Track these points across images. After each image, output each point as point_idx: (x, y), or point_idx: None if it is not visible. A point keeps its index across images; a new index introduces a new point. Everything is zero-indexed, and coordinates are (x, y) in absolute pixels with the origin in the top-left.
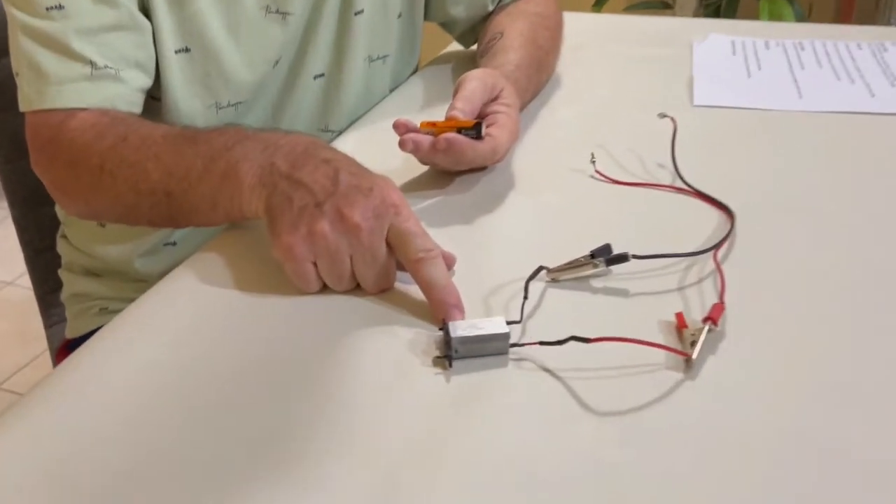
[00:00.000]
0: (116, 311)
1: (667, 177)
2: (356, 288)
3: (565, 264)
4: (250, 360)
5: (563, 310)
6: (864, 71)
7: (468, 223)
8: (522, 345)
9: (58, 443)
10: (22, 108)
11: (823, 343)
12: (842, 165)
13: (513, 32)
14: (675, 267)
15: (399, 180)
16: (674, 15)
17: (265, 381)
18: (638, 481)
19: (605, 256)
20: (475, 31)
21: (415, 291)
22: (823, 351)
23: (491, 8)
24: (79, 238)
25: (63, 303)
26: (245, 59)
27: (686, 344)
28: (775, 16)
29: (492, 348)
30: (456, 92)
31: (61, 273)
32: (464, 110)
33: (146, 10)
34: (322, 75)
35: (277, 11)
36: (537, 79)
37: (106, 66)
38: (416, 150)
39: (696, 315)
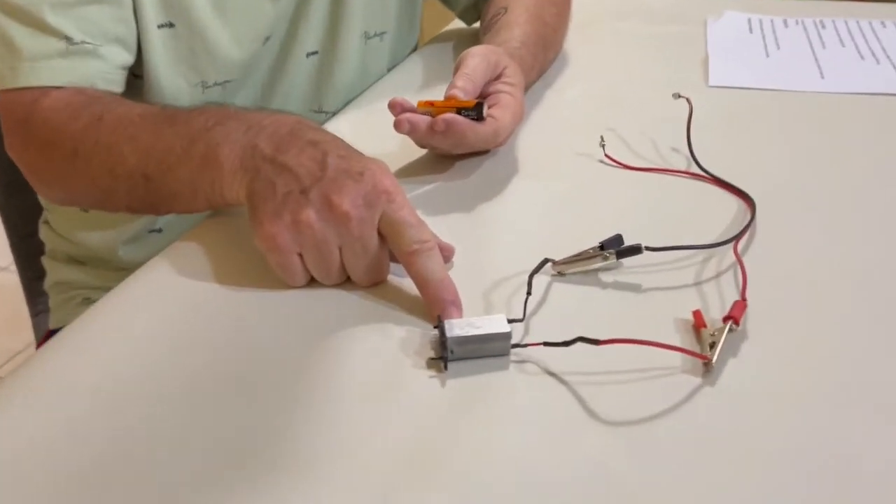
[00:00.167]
0: None
1: (682, 162)
2: (346, 281)
3: (572, 257)
4: (228, 360)
5: (569, 307)
6: (890, 50)
7: (468, 212)
8: (525, 345)
9: (23, 439)
10: None
11: (858, 345)
12: (869, 150)
13: (518, 8)
14: (692, 260)
15: (394, 165)
16: None
17: (243, 382)
18: (649, 498)
19: (616, 248)
20: (478, 7)
21: (409, 286)
22: (858, 354)
23: None
24: (61, 224)
25: (47, 291)
26: (233, 34)
27: (705, 345)
28: None
29: (491, 349)
30: (456, 69)
31: (44, 261)
32: (464, 89)
33: None
34: (315, 53)
35: None
36: (543, 57)
37: (83, 42)
38: (412, 132)
39: (715, 313)
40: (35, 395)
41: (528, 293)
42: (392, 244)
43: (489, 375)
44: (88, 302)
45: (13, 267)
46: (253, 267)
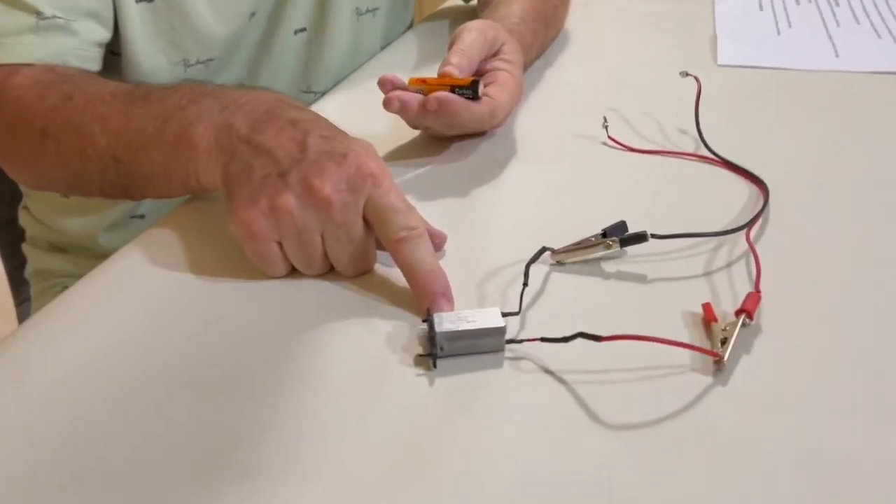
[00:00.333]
0: None
1: (689, 144)
2: (330, 271)
3: (572, 245)
4: (201, 355)
5: (569, 299)
6: None
7: (461, 197)
8: (521, 341)
9: None
10: None
11: (881, 340)
12: (888, 131)
13: None
14: (701, 248)
15: (383, 147)
16: None
17: (216, 380)
18: None
19: (620, 236)
20: None
21: (396, 276)
22: (882, 349)
23: None
24: (41, 210)
25: (28, 280)
26: (216, 9)
27: (715, 341)
28: None
29: (484, 345)
30: (451, 45)
31: (25, 248)
32: (459, 66)
33: None
34: (304, 30)
35: None
36: (544, 34)
37: (54, 16)
38: (402, 111)
39: (726, 306)
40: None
41: (525, 284)
42: (378, 231)
43: (482, 373)
44: None
45: None
46: (231, 256)
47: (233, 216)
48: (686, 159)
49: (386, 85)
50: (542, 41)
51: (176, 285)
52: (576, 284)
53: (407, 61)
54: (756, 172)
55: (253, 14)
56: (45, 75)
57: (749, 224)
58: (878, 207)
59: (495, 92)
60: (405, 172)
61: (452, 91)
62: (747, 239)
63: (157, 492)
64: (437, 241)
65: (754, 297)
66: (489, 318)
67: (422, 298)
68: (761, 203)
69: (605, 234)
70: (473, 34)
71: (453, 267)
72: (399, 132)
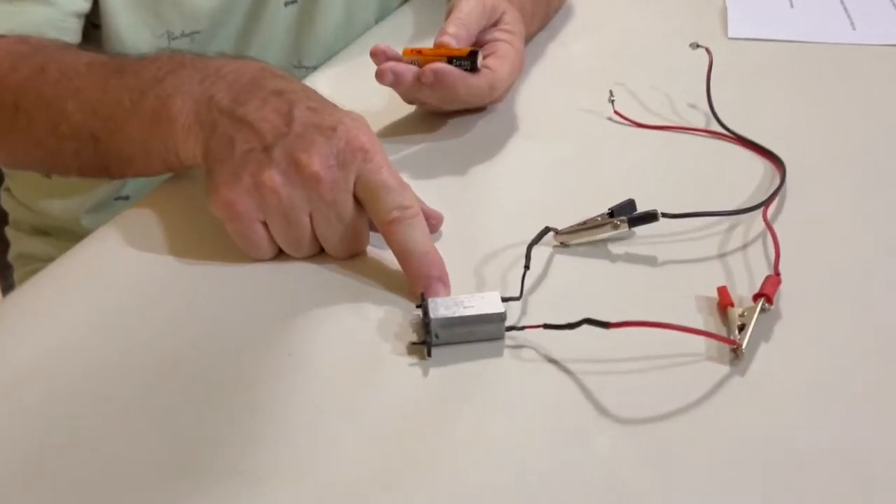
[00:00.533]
0: None
1: (700, 119)
2: (320, 253)
3: (577, 225)
4: (181, 343)
5: (574, 283)
6: None
7: (458, 175)
8: (522, 328)
9: None
10: None
11: None
12: None
13: None
14: (715, 228)
15: (377, 122)
16: None
17: (196, 371)
18: None
19: (628, 215)
20: None
21: (390, 259)
22: None
23: None
24: (22, 191)
25: (12, 263)
26: None
27: (732, 328)
28: None
29: (483, 332)
30: (448, 14)
31: (8, 231)
32: (457, 36)
33: None
34: (294, 1)
35: None
36: (546, 5)
37: None
38: (396, 83)
39: (743, 290)
40: None
41: (527, 267)
42: (369, 210)
43: (480, 363)
44: None
45: None
46: (214, 237)
47: (214, 195)
48: (697, 135)
49: (379, 56)
50: (545, 12)
51: (155, 269)
52: (581, 267)
53: (403, 35)
54: (771, 149)
55: None
56: (17, 46)
57: (766, 202)
58: None
59: (495, 64)
60: (400, 149)
61: (449, 62)
62: (764, 218)
63: (129, 486)
64: (433, 222)
65: (774, 281)
66: (488, 303)
67: (416, 283)
68: (778, 180)
69: (612, 214)
70: (472, 2)
71: (450, 249)
72: (393, 107)
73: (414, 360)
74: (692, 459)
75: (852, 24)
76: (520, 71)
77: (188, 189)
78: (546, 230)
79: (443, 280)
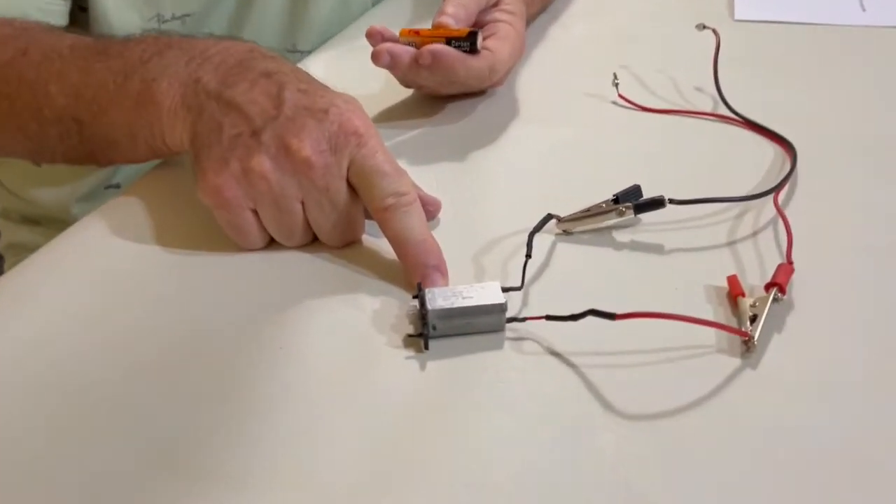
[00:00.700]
0: None
1: (707, 103)
2: (314, 242)
3: (581, 212)
4: (167, 337)
5: (577, 272)
6: None
7: (457, 161)
8: (523, 319)
9: None
10: None
11: None
12: None
13: None
14: (724, 215)
15: (373, 107)
16: None
17: (183, 365)
18: None
19: (634, 201)
20: None
21: (386, 247)
22: None
23: None
24: (12, 180)
25: (2, 254)
26: None
27: (744, 319)
28: None
29: (482, 324)
30: None
31: None
32: (455, 16)
33: None
34: None
35: None
36: None
37: None
38: (393, 65)
39: (754, 279)
40: None
41: (528, 256)
42: (364, 197)
43: (479, 356)
44: None
45: None
46: (203, 226)
47: (201, 182)
48: (704, 119)
49: (375, 37)
50: None
51: (141, 259)
52: (585, 256)
53: (401, 18)
54: (781, 132)
55: None
56: (0, 29)
57: (777, 188)
58: None
59: (495, 45)
60: (396, 134)
61: (448, 43)
62: (775, 204)
63: (109, 486)
64: (431, 209)
65: (786, 269)
66: (488, 293)
67: (412, 272)
68: (788, 165)
69: (617, 200)
70: None
71: (448, 237)
72: (390, 91)
73: (410, 353)
74: (701, 457)
75: (862, 5)
76: (521, 53)
77: (177, 176)
78: (548, 217)
79: (440, 269)
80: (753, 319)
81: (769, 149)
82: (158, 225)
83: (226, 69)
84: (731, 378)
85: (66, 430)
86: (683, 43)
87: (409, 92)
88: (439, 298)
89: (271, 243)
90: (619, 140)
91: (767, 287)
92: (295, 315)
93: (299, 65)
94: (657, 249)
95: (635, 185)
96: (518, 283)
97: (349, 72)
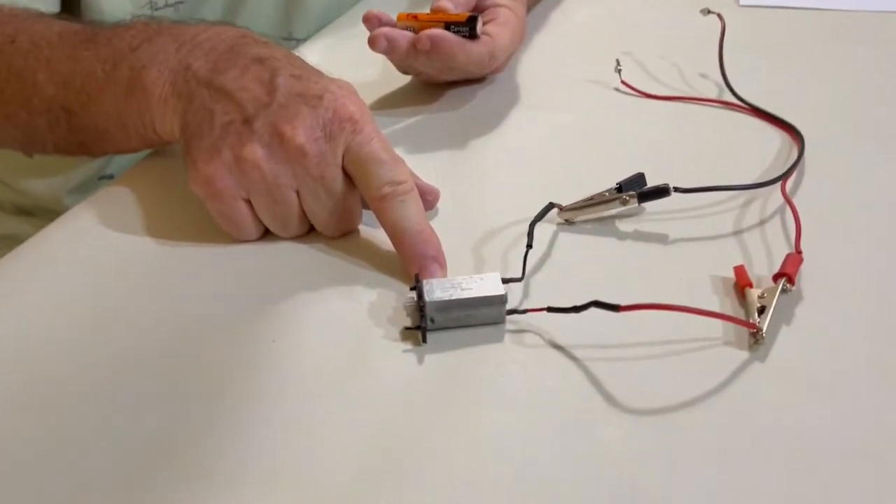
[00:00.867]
0: None
1: (712, 89)
2: (310, 231)
3: (583, 201)
4: (157, 329)
5: (580, 263)
6: None
7: (456, 149)
8: (524, 311)
9: None
10: None
11: None
12: None
13: None
14: (730, 204)
15: (370, 94)
16: None
17: (174, 358)
18: None
19: (638, 190)
20: None
21: (383, 238)
22: None
23: None
24: (3, 170)
25: None
26: None
27: (751, 310)
28: None
29: (482, 316)
30: None
31: None
32: (455, 0)
33: None
34: None
35: None
36: None
37: None
38: (390, 51)
39: (761, 270)
40: None
41: (529, 246)
42: (360, 186)
43: (479, 349)
44: None
45: None
46: (195, 217)
47: (192, 171)
48: (709, 106)
49: (372, 21)
50: None
51: (132, 250)
52: (587, 246)
53: (399, 2)
54: (788, 119)
55: None
56: None
57: (784, 175)
58: None
59: (495, 30)
60: (394, 122)
61: (447, 28)
62: (783, 192)
63: (98, 483)
64: (429, 198)
65: (795, 259)
66: (487, 285)
67: (410, 263)
68: (796, 153)
69: (620, 189)
70: None
71: (447, 227)
72: (387, 77)
73: (408, 346)
74: (708, 452)
75: None
76: (521, 39)
77: (169, 165)
78: (550, 206)
79: (438, 260)
80: (761, 311)
81: (776, 136)
82: (150, 215)
83: (217, 55)
84: (738, 371)
85: (55, 423)
86: (688, 28)
87: (406, 79)
88: (437, 290)
89: (265, 234)
90: (623, 127)
91: (776, 277)
92: (289, 307)
93: (294, 52)
94: (662, 239)
95: (639, 173)
96: (519, 274)
97: (345, 58)
